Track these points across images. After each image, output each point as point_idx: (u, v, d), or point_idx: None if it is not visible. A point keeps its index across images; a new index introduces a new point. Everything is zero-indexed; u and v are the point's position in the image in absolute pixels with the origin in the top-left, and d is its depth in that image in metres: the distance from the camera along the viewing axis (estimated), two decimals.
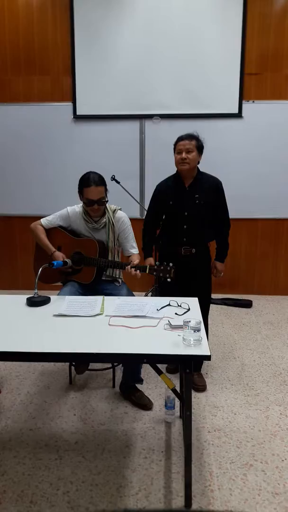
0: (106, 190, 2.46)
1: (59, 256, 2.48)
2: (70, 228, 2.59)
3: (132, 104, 4.13)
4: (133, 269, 2.32)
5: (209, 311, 2.77)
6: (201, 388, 2.60)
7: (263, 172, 4.18)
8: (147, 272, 2.29)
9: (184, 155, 2.46)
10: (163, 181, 2.68)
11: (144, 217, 2.83)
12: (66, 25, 4.07)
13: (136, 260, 2.47)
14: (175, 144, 2.54)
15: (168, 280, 2.23)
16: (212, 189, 2.58)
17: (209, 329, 2.78)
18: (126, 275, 2.45)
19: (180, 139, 2.52)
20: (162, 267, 2.24)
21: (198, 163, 2.55)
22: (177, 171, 2.60)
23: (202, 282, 2.65)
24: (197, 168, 2.57)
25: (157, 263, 2.29)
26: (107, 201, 2.49)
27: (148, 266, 2.31)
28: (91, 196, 2.40)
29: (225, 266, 2.78)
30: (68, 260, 2.44)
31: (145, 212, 2.80)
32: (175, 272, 2.25)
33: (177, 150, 2.52)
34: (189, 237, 2.58)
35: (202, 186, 2.57)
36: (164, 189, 2.63)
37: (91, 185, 2.39)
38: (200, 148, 2.52)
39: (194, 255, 2.60)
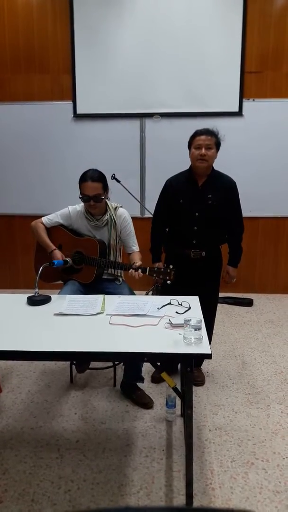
0: (105, 187, 2.44)
1: (58, 255, 2.47)
2: (71, 227, 2.58)
3: (132, 103, 4.13)
4: (133, 270, 2.30)
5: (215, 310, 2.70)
6: (199, 382, 2.60)
7: (263, 170, 4.17)
8: (147, 273, 2.28)
9: (203, 151, 2.33)
10: (174, 176, 2.55)
11: (144, 215, 2.78)
12: (66, 23, 4.06)
13: (138, 262, 2.44)
14: (192, 138, 2.40)
15: (168, 282, 2.18)
16: (226, 189, 2.46)
17: None
18: (126, 274, 2.45)
19: (199, 133, 2.38)
20: (162, 269, 2.22)
21: (214, 161, 2.44)
22: (190, 167, 2.48)
23: (211, 288, 2.55)
24: (212, 166, 2.47)
25: (157, 265, 2.26)
26: (103, 198, 2.45)
27: (148, 267, 2.29)
28: (86, 192, 2.40)
29: (226, 264, 2.71)
30: (68, 259, 2.44)
31: (146, 211, 2.75)
32: (175, 275, 2.18)
33: (195, 145, 2.38)
34: (199, 239, 2.46)
35: (216, 185, 2.45)
36: (175, 185, 2.50)
37: (87, 180, 2.38)
38: (218, 145, 2.41)
39: (204, 258, 2.50)
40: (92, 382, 2.67)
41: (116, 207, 2.56)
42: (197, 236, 2.47)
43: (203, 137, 2.36)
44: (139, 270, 2.29)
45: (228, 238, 2.61)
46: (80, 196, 2.44)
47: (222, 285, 2.66)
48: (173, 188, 2.51)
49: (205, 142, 2.35)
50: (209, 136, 2.37)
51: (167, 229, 2.63)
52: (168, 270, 2.19)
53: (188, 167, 2.53)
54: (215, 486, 1.82)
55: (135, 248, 2.60)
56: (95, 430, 2.20)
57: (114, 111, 4.15)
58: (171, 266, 2.19)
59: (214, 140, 2.38)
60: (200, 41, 3.97)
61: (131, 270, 2.31)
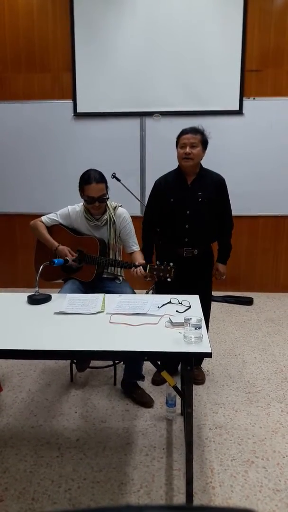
0: (107, 187, 2.45)
1: (64, 250, 2.46)
2: (71, 226, 2.58)
3: (133, 102, 4.12)
4: (134, 268, 2.30)
5: (210, 308, 2.72)
6: (200, 381, 2.60)
7: (263, 169, 4.17)
8: (147, 271, 2.28)
9: (188, 149, 2.33)
10: (163, 176, 2.55)
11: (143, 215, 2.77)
12: (66, 22, 4.05)
13: (140, 260, 2.44)
14: (178, 138, 2.41)
15: (168, 280, 2.19)
16: (215, 186, 2.47)
17: (209, 326, 2.76)
18: (127, 273, 2.45)
19: (184, 132, 2.38)
20: (162, 267, 2.22)
21: (201, 159, 2.44)
22: (178, 166, 2.48)
23: (204, 286, 2.55)
24: (200, 164, 2.46)
25: (157, 262, 2.26)
26: (108, 198, 2.47)
27: (148, 265, 2.30)
28: (91, 194, 2.39)
29: (215, 261, 2.69)
30: (69, 258, 2.44)
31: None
32: (175, 273, 2.19)
33: (180, 144, 2.38)
34: (190, 237, 2.47)
35: (205, 183, 2.45)
36: (164, 185, 2.51)
37: (91, 182, 2.37)
38: (205, 143, 2.40)
39: (197, 257, 2.50)
40: (92, 381, 2.67)
41: (115, 207, 2.56)
42: (189, 234, 2.47)
43: (188, 135, 2.36)
44: (140, 267, 2.29)
45: (218, 235, 2.62)
46: (85, 198, 2.43)
47: (222, 283, 2.66)
48: (163, 187, 2.51)
49: (190, 141, 2.35)
50: (194, 135, 2.36)
51: (158, 230, 2.62)
52: (169, 268, 2.20)
53: (176, 166, 2.52)
54: (215, 485, 1.83)
55: (135, 247, 2.59)
56: (95, 428, 2.21)
57: (114, 110, 4.15)
58: (171, 264, 2.20)
59: (199, 138, 2.37)
60: (201, 39, 3.96)
61: (132, 268, 2.31)
